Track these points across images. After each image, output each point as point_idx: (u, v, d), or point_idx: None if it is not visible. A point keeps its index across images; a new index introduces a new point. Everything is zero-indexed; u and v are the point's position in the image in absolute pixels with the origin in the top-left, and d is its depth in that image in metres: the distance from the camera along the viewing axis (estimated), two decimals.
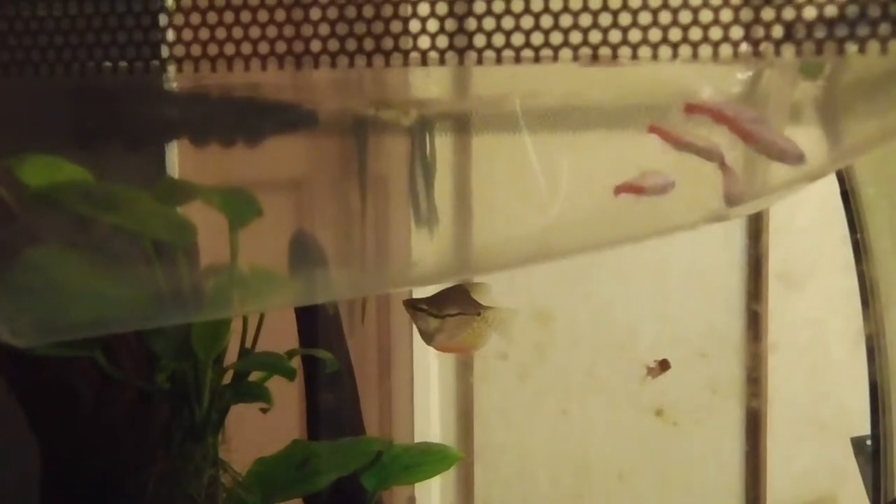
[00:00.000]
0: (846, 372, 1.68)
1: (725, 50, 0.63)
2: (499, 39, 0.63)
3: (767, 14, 0.62)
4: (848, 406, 2.07)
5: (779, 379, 2.47)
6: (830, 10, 0.62)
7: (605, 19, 0.63)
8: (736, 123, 0.72)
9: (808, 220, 2.33)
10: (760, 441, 2.48)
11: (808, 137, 0.77)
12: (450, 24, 0.60)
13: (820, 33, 0.62)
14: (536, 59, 0.63)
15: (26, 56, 0.61)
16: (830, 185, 1.38)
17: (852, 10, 0.61)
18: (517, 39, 0.63)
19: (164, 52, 0.59)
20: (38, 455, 1.09)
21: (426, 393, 2.56)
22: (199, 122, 0.91)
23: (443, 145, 1.03)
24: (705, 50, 0.63)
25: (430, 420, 2.56)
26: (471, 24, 0.62)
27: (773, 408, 2.47)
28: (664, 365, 1.93)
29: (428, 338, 1.21)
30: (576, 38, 0.63)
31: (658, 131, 0.74)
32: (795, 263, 2.44)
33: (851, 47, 0.62)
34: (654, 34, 0.63)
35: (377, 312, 2.29)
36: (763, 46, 0.62)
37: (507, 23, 0.62)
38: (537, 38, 0.63)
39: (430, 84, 0.84)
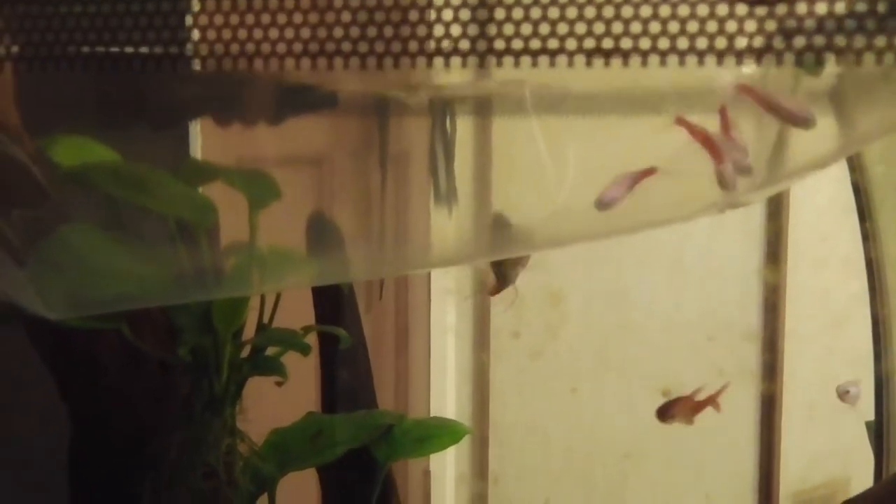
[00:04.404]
0: (862, 355, 1.69)
1: (729, 61, 0.66)
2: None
3: (770, 25, 0.65)
4: (863, 390, 2.06)
5: (794, 362, 2.47)
6: (829, 23, 0.65)
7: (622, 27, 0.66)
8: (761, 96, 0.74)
9: (826, 202, 2.31)
10: (775, 424, 2.48)
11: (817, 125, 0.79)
12: (456, 29, 0.63)
13: (819, 42, 0.65)
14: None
15: (63, 51, 0.65)
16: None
17: (850, 23, 0.64)
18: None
19: (190, 49, 0.63)
20: (67, 421, 1.14)
21: (442, 369, 2.57)
22: (222, 102, 0.94)
23: (463, 125, 1.05)
24: (710, 59, 0.66)
25: (445, 395, 2.58)
26: (502, 28, 0.64)
27: (788, 391, 2.47)
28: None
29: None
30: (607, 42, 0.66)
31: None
32: (814, 246, 2.43)
33: (849, 57, 0.64)
34: (668, 42, 0.66)
35: (395, 289, 2.31)
36: (766, 58, 0.65)
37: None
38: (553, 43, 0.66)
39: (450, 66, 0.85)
